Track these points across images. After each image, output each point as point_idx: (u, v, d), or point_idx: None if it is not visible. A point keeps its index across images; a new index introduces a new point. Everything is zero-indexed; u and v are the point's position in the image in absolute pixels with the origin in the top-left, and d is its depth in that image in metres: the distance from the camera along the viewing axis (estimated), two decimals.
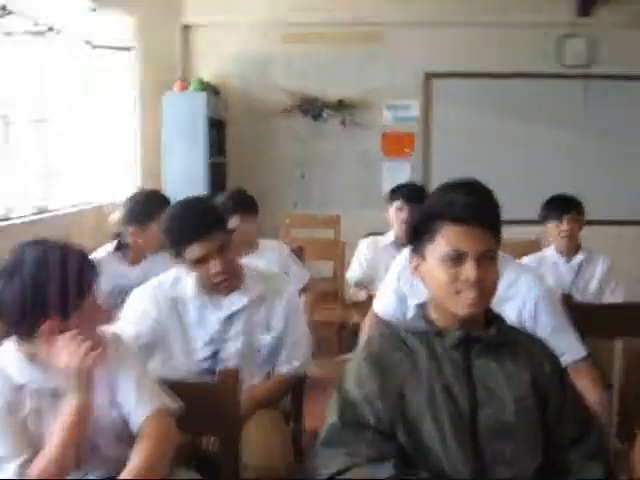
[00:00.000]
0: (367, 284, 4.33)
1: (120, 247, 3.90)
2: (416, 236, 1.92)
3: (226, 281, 2.61)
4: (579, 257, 4.05)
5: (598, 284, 4.00)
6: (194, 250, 2.54)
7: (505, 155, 7.28)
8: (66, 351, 1.74)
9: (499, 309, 1.94)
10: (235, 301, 2.71)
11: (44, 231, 5.36)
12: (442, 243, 1.83)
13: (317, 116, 7.28)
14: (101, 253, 3.88)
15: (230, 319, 2.69)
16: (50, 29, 6.00)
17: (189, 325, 2.68)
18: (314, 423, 3.07)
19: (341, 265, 5.31)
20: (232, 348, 2.68)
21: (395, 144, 7.39)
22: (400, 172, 7.30)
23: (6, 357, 1.82)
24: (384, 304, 3.01)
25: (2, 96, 5.24)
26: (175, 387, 2.02)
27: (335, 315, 4.48)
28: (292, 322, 2.77)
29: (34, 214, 5.70)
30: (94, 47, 6.84)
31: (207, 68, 7.13)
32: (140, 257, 3.89)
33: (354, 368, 1.86)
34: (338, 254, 5.39)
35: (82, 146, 6.70)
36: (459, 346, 1.84)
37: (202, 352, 2.67)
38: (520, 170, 7.25)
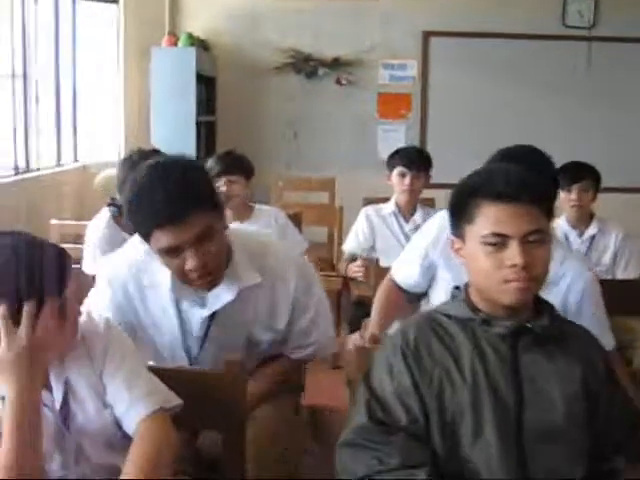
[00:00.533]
0: (363, 255, 4.09)
1: (118, 215, 3.45)
2: (454, 215, 1.71)
3: (204, 278, 1.93)
4: (592, 229, 3.82)
5: (611, 257, 3.79)
6: (160, 239, 1.85)
7: (504, 119, 7.03)
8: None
9: (542, 293, 1.72)
10: (221, 295, 2.04)
11: (25, 192, 5.27)
12: (481, 224, 1.62)
13: (311, 74, 6.98)
14: (99, 224, 3.49)
15: (214, 318, 2.08)
16: None
17: (161, 323, 2.12)
18: (312, 399, 2.89)
19: (339, 231, 5.08)
20: (210, 353, 2.12)
21: (391, 105, 7.12)
22: (396, 134, 7.06)
23: None
24: (406, 274, 2.75)
25: None
26: (170, 377, 1.78)
27: (332, 284, 4.26)
28: (302, 305, 2.18)
29: (15, 174, 5.44)
30: None
31: (196, 23, 6.80)
32: None
33: (385, 359, 1.65)
34: (334, 219, 5.16)
35: (65, 103, 6.43)
36: (507, 337, 1.63)
37: (178, 356, 2.14)
38: (520, 135, 6.92)
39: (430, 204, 4.44)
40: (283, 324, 2.17)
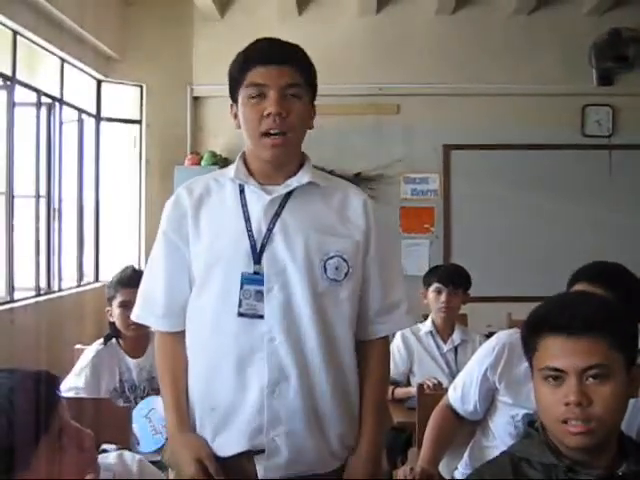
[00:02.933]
0: (400, 380, 3.90)
1: (110, 337, 3.27)
2: (524, 344, 1.61)
3: (278, 128, 1.88)
4: None
5: None
6: (255, 75, 1.89)
7: (528, 229, 6.95)
8: None
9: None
10: (290, 184, 1.94)
11: (46, 313, 5.18)
12: (541, 357, 1.52)
13: None
14: (92, 351, 3.25)
15: (282, 206, 1.93)
16: (56, 100, 5.76)
17: (222, 224, 1.95)
18: None
19: None
20: (281, 245, 1.89)
21: (414, 219, 7.07)
22: (420, 248, 6.98)
23: None
24: (465, 399, 2.56)
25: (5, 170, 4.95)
26: None
27: None
28: (383, 233, 2.01)
29: (36, 295, 5.36)
30: (101, 119, 6.63)
31: (219, 141, 6.83)
32: (140, 334, 3.20)
33: None
34: None
35: (87, 222, 6.43)
36: None
37: (243, 241, 1.90)
38: (544, 244, 6.93)
39: (463, 321, 4.30)
40: (357, 235, 1.95)
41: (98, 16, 6.00)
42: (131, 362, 3.25)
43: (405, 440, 3.59)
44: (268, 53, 1.91)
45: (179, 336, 2.00)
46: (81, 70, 6.24)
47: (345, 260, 1.92)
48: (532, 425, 1.63)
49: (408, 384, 3.81)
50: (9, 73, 5.01)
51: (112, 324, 3.29)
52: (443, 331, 3.89)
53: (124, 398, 3.15)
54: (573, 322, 1.48)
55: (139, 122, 6.81)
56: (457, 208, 7.09)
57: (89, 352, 3.25)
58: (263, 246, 1.89)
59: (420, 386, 3.15)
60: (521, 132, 6.99)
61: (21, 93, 5.24)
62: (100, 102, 6.66)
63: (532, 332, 1.57)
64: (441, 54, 6.92)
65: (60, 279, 5.77)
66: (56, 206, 5.77)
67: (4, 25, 4.87)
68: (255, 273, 1.88)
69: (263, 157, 1.93)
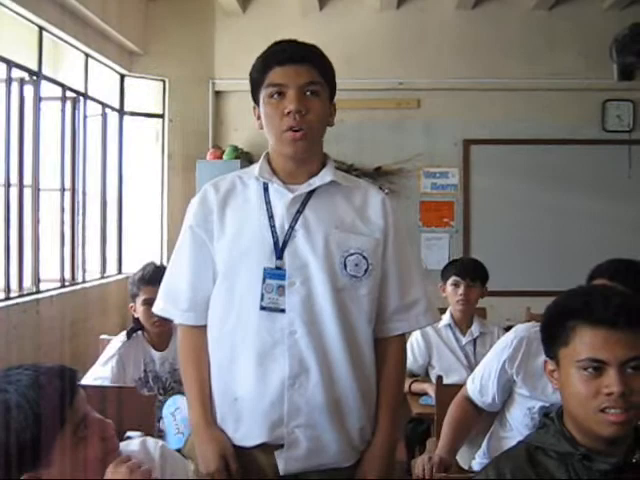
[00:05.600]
0: (419, 373, 3.94)
1: (133, 331, 3.35)
2: (547, 336, 1.63)
3: (298, 125, 1.93)
4: None
5: None
6: (275, 75, 1.95)
7: (548, 224, 6.95)
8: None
9: None
10: (313, 182, 2.00)
11: (70, 304, 5.26)
12: (578, 349, 1.54)
13: None
14: (117, 342, 3.34)
15: (304, 205, 1.99)
16: (80, 95, 5.84)
17: (246, 221, 2.00)
18: None
19: None
20: (303, 241, 1.95)
21: (434, 213, 7.10)
22: (439, 242, 7.02)
23: None
24: (484, 391, 2.63)
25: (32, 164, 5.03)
26: None
27: None
28: (400, 231, 2.05)
29: (61, 286, 5.45)
30: (124, 114, 6.70)
31: (240, 135, 6.91)
32: (163, 329, 3.31)
33: None
34: None
35: (110, 215, 6.51)
36: (609, 474, 1.51)
37: (265, 242, 1.96)
38: (563, 239, 6.94)
39: (482, 316, 4.32)
40: (376, 233, 2.01)
41: (121, 11, 6.08)
42: (155, 354, 3.32)
43: (424, 431, 3.64)
44: (286, 53, 1.96)
45: (202, 330, 2.04)
46: (105, 65, 6.31)
47: (365, 257, 1.97)
48: (547, 416, 1.67)
49: (427, 377, 3.86)
50: (35, 68, 5.09)
51: (136, 319, 3.36)
52: (462, 324, 3.92)
53: (148, 388, 3.23)
54: (610, 314, 1.52)
55: (161, 116, 6.87)
56: (477, 202, 7.11)
57: (115, 343, 3.32)
58: (285, 242, 1.95)
59: (439, 378, 3.18)
60: (541, 127, 6.99)
61: (47, 88, 5.32)
62: (123, 96, 6.74)
63: (563, 323, 1.59)
64: (462, 49, 6.93)
65: (84, 271, 5.86)
66: (80, 199, 5.86)
67: (30, 21, 4.94)
68: (277, 268, 1.94)
69: (285, 153, 1.99)
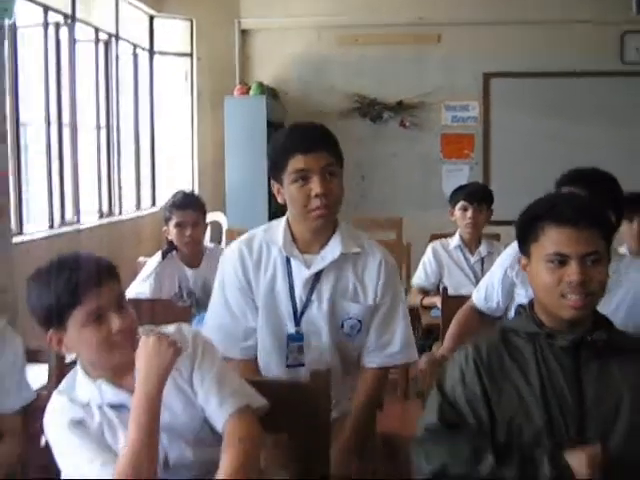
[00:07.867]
0: (431, 289, 4.26)
1: (167, 252, 3.66)
2: (521, 235, 1.90)
3: (324, 209, 2.22)
4: None
5: None
6: (297, 162, 2.22)
7: (565, 156, 7.03)
8: (144, 351, 1.70)
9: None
10: (325, 257, 2.33)
11: (108, 234, 5.60)
12: (545, 245, 1.80)
13: (376, 118, 7.24)
14: (154, 262, 3.67)
15: (318, 277, 2.35)
16: (112, 36, 6.10)
17: (273, 287, 2.37)
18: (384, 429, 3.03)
19: (407, 267, 5.26)
20: (316, 310, 2.34)
21: (454, 145, 7.33)
22: (460, 173, 7.25)
23: (72, 378, 1.81)
24: (489, 296, 2.92)
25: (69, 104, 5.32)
26: (262, 386, 1.97)
27: None
28: (384, 287, 2.37)
29: (100, 218, 5.80)
30: (154, 53, 6.95)
31: (265, 72, 7.14)
32: (195, 249, 3.65)
33: (458, 369, 1.83)
34: (402, 256, 5.32)
35: (144, 151, 6.81)
36: (569, 350, 1.80)
37: (285, 309, 2.37)
38: None
39: (497, 239, 4.59)
40: (369, 299, 2.37)
41: None
42: (188, 272, 3.66)
43: (432, 341, 3.95)
44: (306, 142, 2.24)
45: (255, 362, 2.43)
46: (134, 6, 6.55)
47: (359, 321, 2.38)
48: (521, 306, 1.96)
49: (438, 293, 4.16)
50: (69, 12, 5.34)
51: (170, 242, 3.69)
52: (470, 245, 4.21)
53: (182, 302, 3.57)
54: (573, 215, 1.77)
55: (190, 55, 7.12)
56: (496, 135, 7.30)
57: (152, 263, 3.66)
58: (303, 312, 2.36)
59: (444, 290, 3.51)
60: (560, 59, 7.12)
61: (80, 30, 5.58)
62: (153, 36, 6.99)
63: (533, 224, 1.83)
64: None
65: (120, 204, 6.21)
66: (115, 137, 6.17)
67: None
68: (297, 332, 2.37)
69: (309, 227, 2.32)
